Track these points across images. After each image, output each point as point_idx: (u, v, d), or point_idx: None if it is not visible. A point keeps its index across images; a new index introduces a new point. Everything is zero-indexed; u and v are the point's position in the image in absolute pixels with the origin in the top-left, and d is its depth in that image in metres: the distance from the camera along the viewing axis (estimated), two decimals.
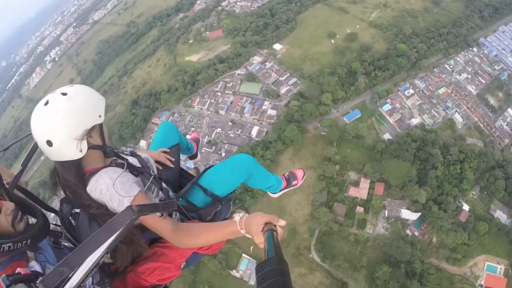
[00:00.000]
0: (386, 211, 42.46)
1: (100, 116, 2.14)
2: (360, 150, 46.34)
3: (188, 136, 4.49)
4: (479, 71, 57.03)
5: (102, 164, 2.27)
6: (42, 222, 1.96)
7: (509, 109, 52.80)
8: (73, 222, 2.28)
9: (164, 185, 2.58)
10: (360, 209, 42.62)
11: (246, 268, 40.80)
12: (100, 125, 2.18)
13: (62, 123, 1.98)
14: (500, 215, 42.35)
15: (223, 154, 49.31)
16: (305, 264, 40.56)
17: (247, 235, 1.97)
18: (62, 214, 2.33)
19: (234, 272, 40.94)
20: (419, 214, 41.89)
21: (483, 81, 55.88)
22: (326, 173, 44.08)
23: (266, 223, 1.86)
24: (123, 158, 2.38)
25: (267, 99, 53.55)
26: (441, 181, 43.31)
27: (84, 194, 2.16)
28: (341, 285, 39.40)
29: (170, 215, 2.40)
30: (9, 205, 1.86)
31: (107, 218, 1.92)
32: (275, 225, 1.85)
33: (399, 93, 52.58)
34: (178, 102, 58.36)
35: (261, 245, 1.77)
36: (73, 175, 2.16)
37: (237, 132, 51.69)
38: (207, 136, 51.95)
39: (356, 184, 44.25)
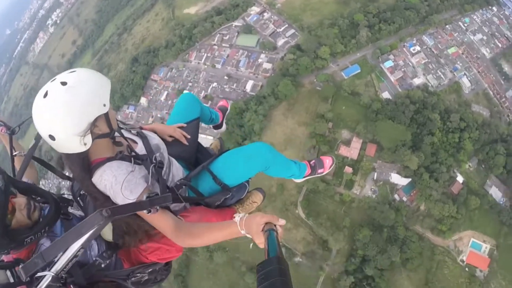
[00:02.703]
0: (376, 174, 41.68)
1: (104, 105, 1.94)
2: (355, 108, 44.62)
3: (220, 103, 4.37)
4: (496, 33, 52.79)
5: (109, 154, 2.13)
6: (54, 206, 2.01)
7: None
8: (81, 202, 2.32)
9: (163, 172, 2.36)
10: (348, 169, 41.91)
11: None
12: (106, 113, 1.98)
13: (62, 118, 1.81)
14: (495, 192, 40.76)
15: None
16: (291, 219, 40.88)
17: (248, 235, 1.90)
18: (73, 191, 2.37)
19: None
20: (409, 180, 40.94)
21: (500, 45, 51.91)
22: (318, 130, 43.09)
23: (266, 223, 1.80)
24: (129, 145, 2.25)
25: (263, 51, 51.79)
26: (437, 148, 41.64)
27: (90, 185, 2.08)
28: (322, 243, 39.80)
29: (168, 208, 2.22)
30: (21, 201, 1.89)
31: None
32: (275, 225, 1.79)
33: (404, 49, 49.49)
34: (175, 57, 57.72)
35: (261, 245, 1.74)
36: (79, 167, 2.07)
37: (232, 86, 50.92)
38: (203, 91, 51.99)
39: (348, 143, 43.25)
